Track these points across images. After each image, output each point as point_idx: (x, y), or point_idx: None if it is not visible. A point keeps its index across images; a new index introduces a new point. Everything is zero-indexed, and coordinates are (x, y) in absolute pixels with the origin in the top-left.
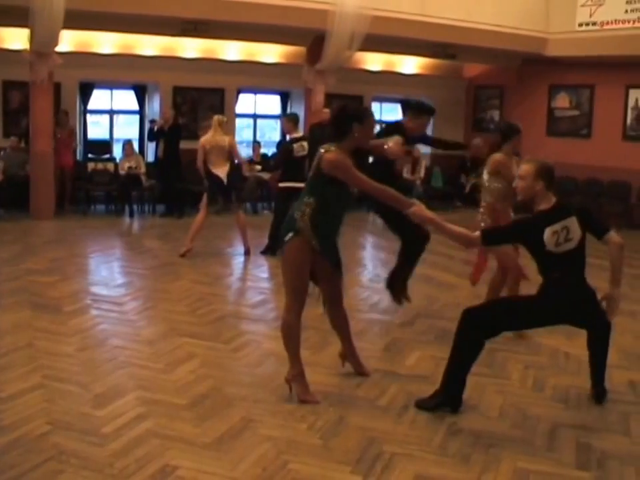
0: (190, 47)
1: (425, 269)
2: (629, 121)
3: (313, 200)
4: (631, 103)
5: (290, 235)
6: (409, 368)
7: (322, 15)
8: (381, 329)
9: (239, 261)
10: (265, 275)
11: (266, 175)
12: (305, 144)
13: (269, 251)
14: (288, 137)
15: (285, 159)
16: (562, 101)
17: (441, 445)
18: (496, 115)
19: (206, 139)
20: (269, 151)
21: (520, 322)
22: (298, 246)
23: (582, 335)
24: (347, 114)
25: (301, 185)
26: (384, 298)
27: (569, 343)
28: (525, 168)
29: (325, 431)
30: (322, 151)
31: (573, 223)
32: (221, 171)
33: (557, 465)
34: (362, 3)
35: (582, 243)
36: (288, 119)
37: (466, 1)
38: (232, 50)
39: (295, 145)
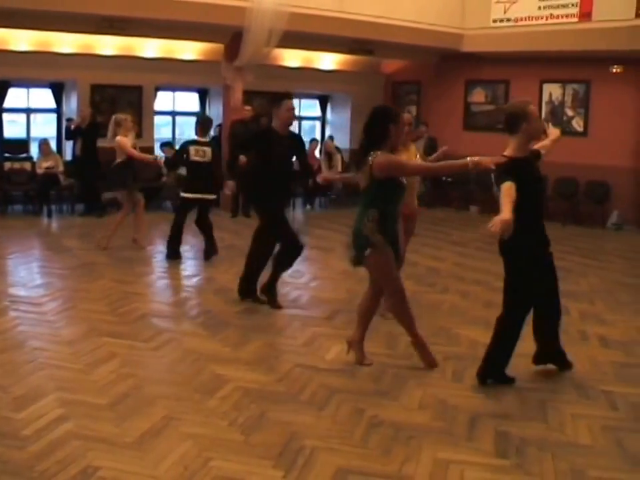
0: (108, 45)
1: (347, 264)
2: (543, 114)
3: (376, 212)
4: (545, 97)
5: (368, 251)
6: (329, 362)
7: (240, 12)
8: (301, 324)
9: (160, 259)
10: (186, 273)
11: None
12: (207, 150)
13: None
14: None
15: (176, 160)
16: (478, 95)
17: (362, 438)
18: (414, 110)
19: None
20: None
21: None
22: (379, 258)
23: None
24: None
25: (208, 196)
26: (304, 293)
27: (488, 334)
28: None
29: (246, 427)
30: (370, 160)
31: None
32: None
33: (476, 454)
34: (279, 0)
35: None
36: (199, 122)
37: None
38: (150, 47)
39: (191, 147)
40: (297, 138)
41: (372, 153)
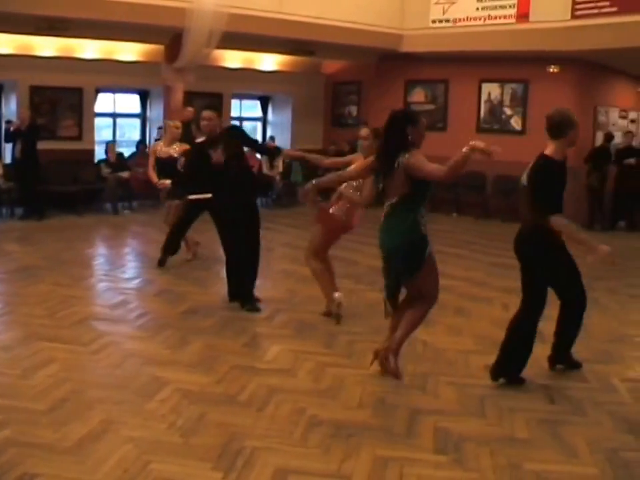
0: (47, 46)
1: (287, 263)
2: (482, 113)
3: (424, 211)
4: (484, 96)
5: (428, 251)
6: (268, 362)
7: (179, 13)
8: (241, 324)
9: (99, 262)
10: (125, 275)
11: (126, 174)
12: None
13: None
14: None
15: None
16: (418, 95)
17: (302, 437)
18: (354, 110)
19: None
20: (128, 150)
21: None
22: (433, 257)
23: (438, 323)
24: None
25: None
26: None
27: (426, 331)
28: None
29: (185, 429)
30: (403, 161)
31: None
32: None
33: (415, 451)
34: (219, 1)
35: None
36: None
37: None
38: (90, 48)
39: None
40: (236, 131)
41: (401, 154)
